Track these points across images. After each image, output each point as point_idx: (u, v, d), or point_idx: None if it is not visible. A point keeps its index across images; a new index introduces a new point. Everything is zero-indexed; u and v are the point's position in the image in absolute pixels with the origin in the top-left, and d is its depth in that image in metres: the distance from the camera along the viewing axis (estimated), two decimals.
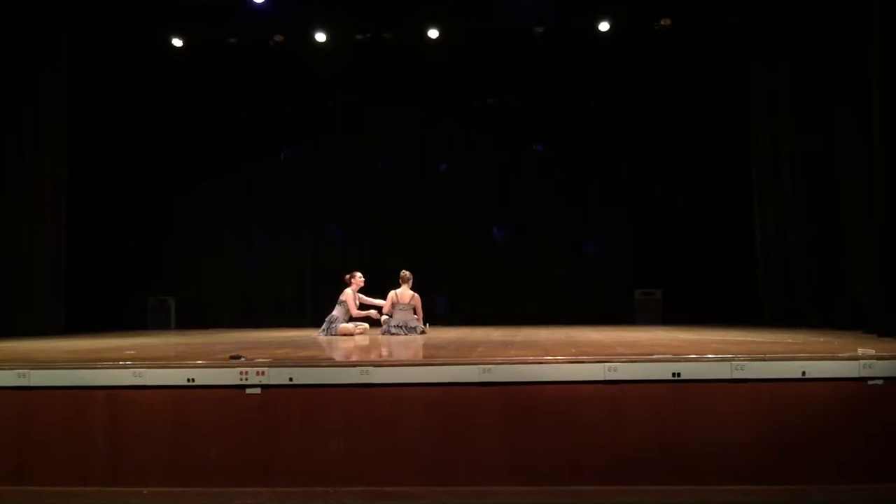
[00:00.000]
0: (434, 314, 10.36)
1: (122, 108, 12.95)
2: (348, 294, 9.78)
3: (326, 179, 13.11)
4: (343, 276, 9.99)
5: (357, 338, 9.23)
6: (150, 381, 5.29)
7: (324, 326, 9.80)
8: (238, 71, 12.98)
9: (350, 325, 9.76)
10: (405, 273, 9.82)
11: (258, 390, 5.24)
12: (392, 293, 9.76)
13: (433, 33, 12.44)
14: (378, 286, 10.08)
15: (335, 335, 9.55)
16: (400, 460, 5.16)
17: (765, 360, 5.21)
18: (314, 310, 12.26)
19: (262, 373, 5.25)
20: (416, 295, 9.78)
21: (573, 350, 6.25)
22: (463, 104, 13.04)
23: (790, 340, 7.20)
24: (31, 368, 5.40)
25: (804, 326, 9.49)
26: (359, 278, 9.91)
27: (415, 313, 9.75)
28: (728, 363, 5.16)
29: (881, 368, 5.09)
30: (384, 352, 7.05)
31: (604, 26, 12.27)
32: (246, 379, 5.24)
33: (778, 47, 10.59)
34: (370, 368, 5.27)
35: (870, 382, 5.07)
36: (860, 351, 5.39)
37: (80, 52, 11.98)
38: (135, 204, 13.03)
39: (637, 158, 12.73)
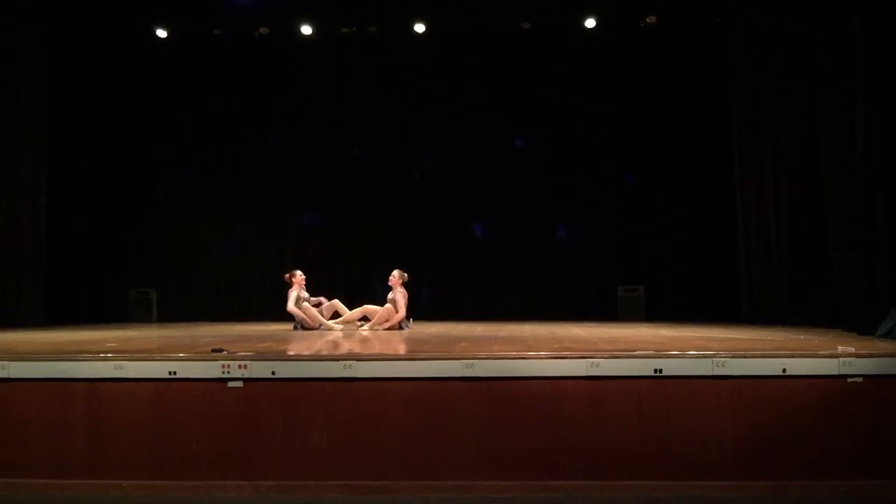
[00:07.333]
0: (417, 308, 10.35)
1: (103, 99, 12.77)
2: (300, 298, 9.64)
3: (310, 171, 13.06)
4: (284, 275, 9.93)
5: (338, 332, 9.19)
6: (132, 374, 5.26)
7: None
8: (223, 62, 12.90)
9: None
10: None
11: (240, 384, 5.22)
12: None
13: (419, 27, 12.43)
14: (363, 279, 10.08)
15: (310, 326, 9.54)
16: (382, 454, 5.16)
17: (746, 357, 5.24)
18: None
19: (245, 366, 5.24)
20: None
21: (556, 345, 6.27)
22: (447, 98, 13.00)
23: (771, 338, 7.24)
24: (11, 360, 5.35)
25: (785, 324, 9.54)
26: (299, 277, 9.80)
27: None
28: (709, 360, 5.20)
29: (860, 366, 5.14)
30: (367, 346, 7.04)
31: (590, 23, 12.30)
32: (228, 372, 5.22)
33: (763, 45, 10.62)
34: (353, 363, 5.26)
35: (849, 380, 5.13)
36: (840, 349, 5.44)
37: (62, 42, 11.77)
38: (116, 195, 12.90)
39: (622, 155, 12.80)
